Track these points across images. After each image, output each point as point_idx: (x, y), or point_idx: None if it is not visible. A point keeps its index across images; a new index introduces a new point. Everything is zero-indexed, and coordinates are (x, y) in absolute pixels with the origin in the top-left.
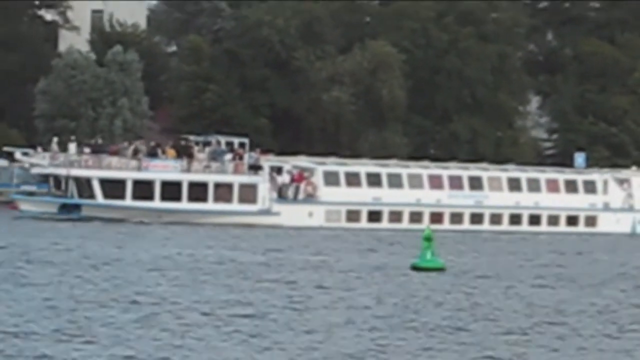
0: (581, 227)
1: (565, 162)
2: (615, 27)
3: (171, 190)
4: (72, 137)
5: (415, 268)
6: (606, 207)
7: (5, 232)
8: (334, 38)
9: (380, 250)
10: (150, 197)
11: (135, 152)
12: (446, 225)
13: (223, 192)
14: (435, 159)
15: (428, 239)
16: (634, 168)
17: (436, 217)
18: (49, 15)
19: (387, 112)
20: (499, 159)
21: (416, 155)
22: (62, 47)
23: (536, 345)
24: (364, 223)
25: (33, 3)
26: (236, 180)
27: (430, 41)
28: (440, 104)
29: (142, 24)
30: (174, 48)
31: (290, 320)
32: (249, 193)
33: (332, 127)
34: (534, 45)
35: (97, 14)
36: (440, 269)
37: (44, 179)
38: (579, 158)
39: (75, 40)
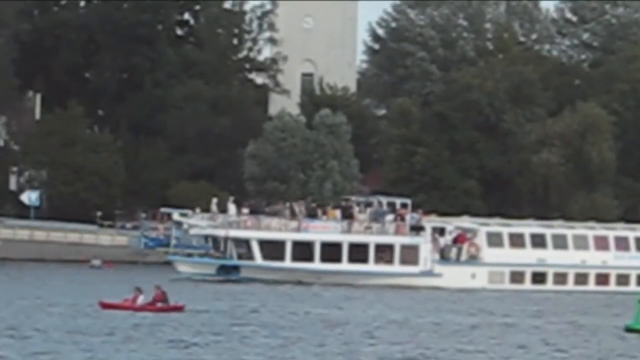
0: None
1: None
2: None
3: (331, 252)
4: (232, 198)
5: (629, 330)
6: None
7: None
8: (544, 100)
9: (584, 312)
10: (310, 258)
11: (293, 213)
12: (612, 287)
13: (384, 253)
14: None
15: None
16: None
17: (602, 279)
18: (259, 79)
19: (597, 175)
20: None
21: (626, 217)
22: (272, 110)
23: None
24: (527, 285)
25: (244, 67)
26: (398, 241)
27: (639, 104)
28: None
29: (352, 87)
30: (383, 111)
31: None
32: (410, 254)
33: (541, 189)
34: None
35: (307, 77)
36: None
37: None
38: None
39: (285, 104)
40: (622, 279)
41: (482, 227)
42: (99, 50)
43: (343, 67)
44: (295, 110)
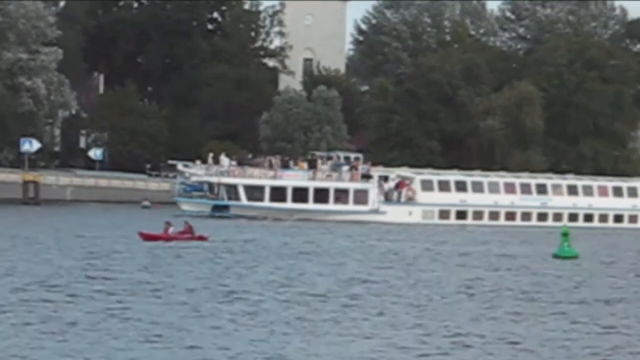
0: (625, 224)
1: None
2: None
3: (300, 194)
4: (224, 152)
5: (556, 256)
6: None
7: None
8: (489, 80)
9: (513, 243)
10: (283, 199)
11: (270, 165)
12: (518, 222)
13: (341, 195)
14: (566, 172)
15: (565, 234)
16: None
17: (510, 216)
18: (271, 63)
19: (529, 137)
20: (616, 173)
21: (552, 169)
22: (281, 86)
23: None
24: (452, 220)
25: (259, 53)
26: (351, 186)
27: (562, 82)
28: (571, 131)
29: (342, 69)
30: (366, 87)
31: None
32: (361, 196)
33: (486, 148)
34: None
35: (307, 61)
36: (575, 257)
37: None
38: None
39: (290, 82)
40: (525, 216)
41: (417, 176)
42: (148, 41)
43: (335, 54)
44: (298, 87)
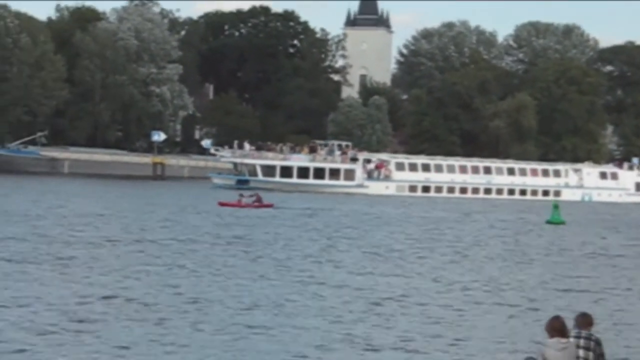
0: (551, 197)
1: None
2: None
3: (303, 172)
4: (247, 140)
5: (549, 222)
6: (566, 185)
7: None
8: (496, 91)
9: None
10: (290, 176)
11: (281, 150)
12: (469, 195)
13: (334, 173)
14: (553, 161)
15: (556, 206)
16: (586, 163)
17: (463, 190)
18: (336, 78)
19: (526, 134)
20: (590, 161)
21: (542, 159)
22: (343, 95)
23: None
24: (419, 193)
25: (327, 70)
26: (343, 166)
27: (550, 94)
28: (556, 130)
29: (388, 82)
30: (406, 96)
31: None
32: (350, 174)
33: (494, 142)
34: (610, 96)
35: (363, 77)
36: (563, 223)
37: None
38: (635, 160)
39: (350, 92)
40: (475, 191)
41: (392, 159)
42: (246, 61)
43: (383, 71)
44: (356, 95)
